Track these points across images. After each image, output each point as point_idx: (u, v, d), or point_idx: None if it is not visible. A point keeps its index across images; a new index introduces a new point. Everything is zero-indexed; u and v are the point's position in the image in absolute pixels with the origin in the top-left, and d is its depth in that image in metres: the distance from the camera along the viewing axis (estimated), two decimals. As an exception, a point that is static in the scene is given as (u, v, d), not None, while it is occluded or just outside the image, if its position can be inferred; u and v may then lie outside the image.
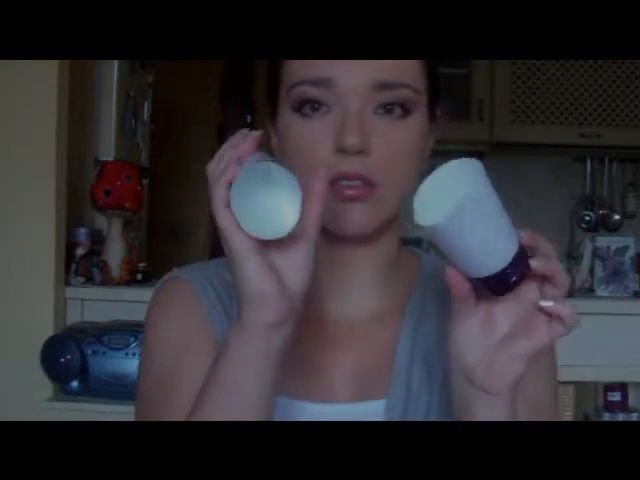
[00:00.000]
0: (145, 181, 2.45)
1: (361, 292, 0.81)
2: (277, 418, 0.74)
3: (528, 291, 0.66)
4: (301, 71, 0.74)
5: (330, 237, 0.77)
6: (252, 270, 0.63)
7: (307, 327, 0.78)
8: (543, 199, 3.67)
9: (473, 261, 0.65)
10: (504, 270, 0.65)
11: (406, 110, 0.75)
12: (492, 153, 3.56)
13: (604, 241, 2.19)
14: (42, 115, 1.89)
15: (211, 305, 0.81)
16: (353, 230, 0.75)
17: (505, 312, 0.66)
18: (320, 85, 0.73)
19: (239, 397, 0.66)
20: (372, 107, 0.74)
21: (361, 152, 0.73)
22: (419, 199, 0.65)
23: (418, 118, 0.76)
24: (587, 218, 3.64)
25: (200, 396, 0.68)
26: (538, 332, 0.65)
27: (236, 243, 0.63)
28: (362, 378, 0.79)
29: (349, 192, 0.73)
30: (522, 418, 0.70)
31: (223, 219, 0.63)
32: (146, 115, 2.57)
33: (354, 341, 0.81)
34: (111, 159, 2.21)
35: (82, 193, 2.12)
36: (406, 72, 0.75)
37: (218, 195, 0.63)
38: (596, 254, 2.16)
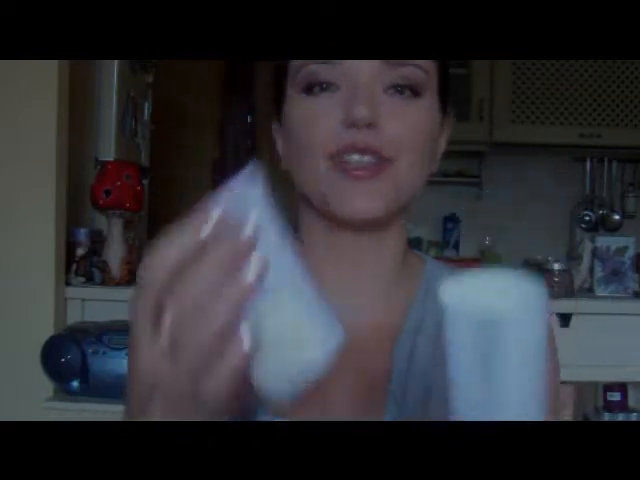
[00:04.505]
0: (145, 181, 2.45)
1: (361, 300, 0.78)
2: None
3: None
4: None
5: (333, 223, 0.74)
6: None
7: None
8: (543, 199, 3.67)
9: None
10: None
11: (416, 91, 0.72)
12: (492, 153, 3.57)
13: (604, 241, 2.19)
14: (42, 115, 1.89)
15: None
16: (362, 213, 0.70)
17: None
18: (328, 62, 0.70)
19: None
20: (382, 85, 0.71)
21: (372, 125, 0.69)
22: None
23: (428, 102, 0.73)
24: (587, 218, 3.65)
25: None
26: None
27: None
28: (361, 396, 0.77)
29: (358, 172, 0.69)
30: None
31: None
32: (146, 115, 2.57)
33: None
34: (111, 159, 2.21)
35: (82, 193, 2.12)
36: None
37: None
38: (596, 254, 2.17)
